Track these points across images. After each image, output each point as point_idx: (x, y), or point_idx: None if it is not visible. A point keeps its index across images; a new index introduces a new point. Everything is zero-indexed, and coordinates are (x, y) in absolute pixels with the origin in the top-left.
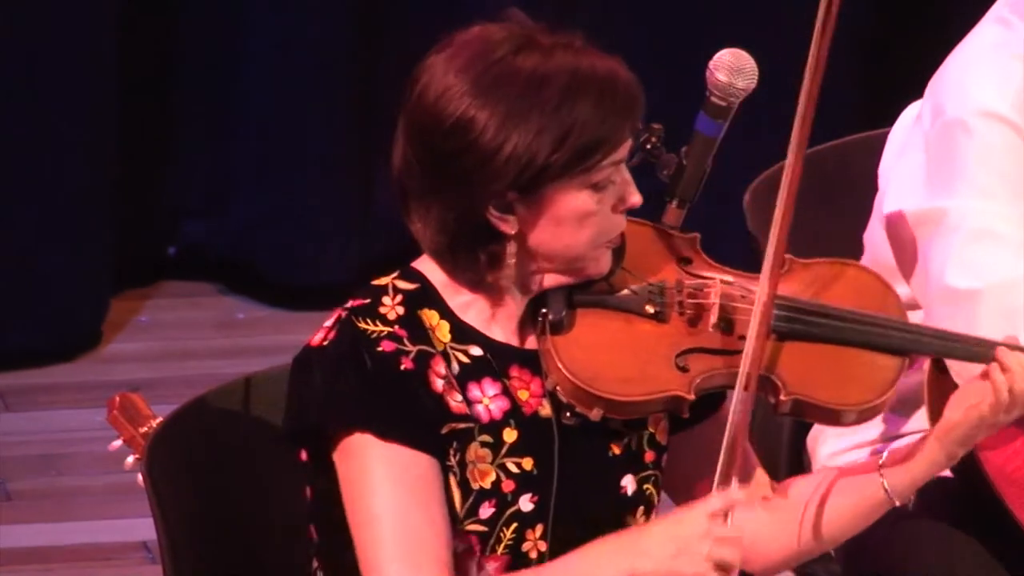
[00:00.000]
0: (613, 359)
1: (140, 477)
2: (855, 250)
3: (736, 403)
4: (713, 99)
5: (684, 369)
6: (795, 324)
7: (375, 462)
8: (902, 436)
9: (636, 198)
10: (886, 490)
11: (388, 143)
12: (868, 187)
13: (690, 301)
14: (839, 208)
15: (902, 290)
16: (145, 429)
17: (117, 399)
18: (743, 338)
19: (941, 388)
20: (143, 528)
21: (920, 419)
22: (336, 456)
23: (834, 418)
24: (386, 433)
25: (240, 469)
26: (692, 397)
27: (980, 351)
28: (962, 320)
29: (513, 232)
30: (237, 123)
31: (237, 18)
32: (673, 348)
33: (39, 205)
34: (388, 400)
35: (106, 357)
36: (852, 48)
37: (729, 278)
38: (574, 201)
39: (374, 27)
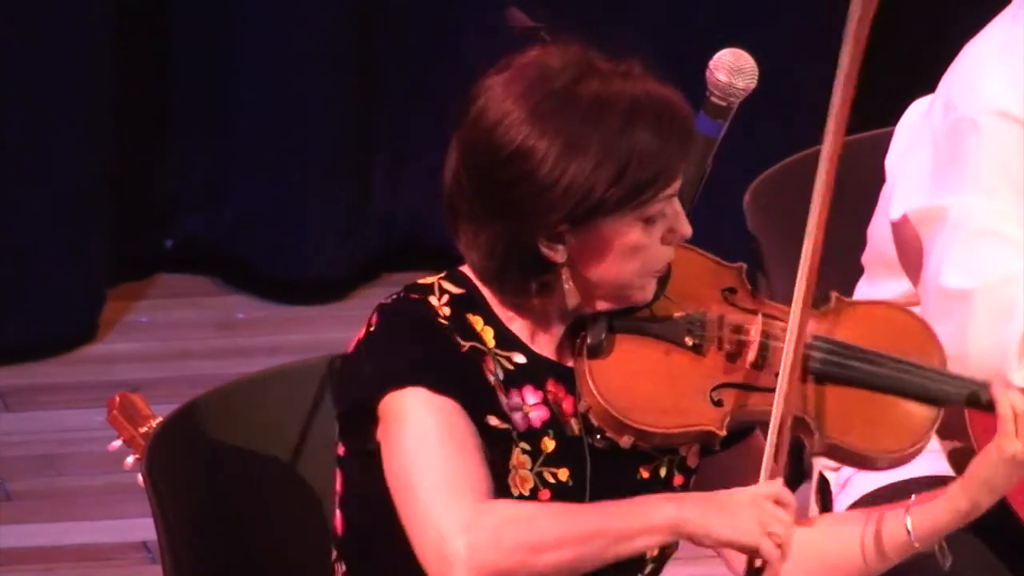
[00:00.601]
0: (648, 389)
1: (140, 477)
2: (858, 249)
3: (774, 426)
4: (713, 99)
5: (719, 404)
6: (833, 366)
7: (423, 410)
8: None
9: (687, 230)
10: (908, 532)
11: (384, 136)
12: (871, 186)
13: (730, 336)
14: (842, 207)
15: (903, 286)
16: (145, 429)
17: (117, 399)
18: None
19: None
20: (143, 528)
21: None
22: (384, 423)
23: (866, 463)
24: (440, 386)
25: (240, 469)
26: (724, 433)
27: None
28: (955, 320)
29: (562, 261)
30: (234, 117)
31: (234, 12)
32: (709, 382)
33: (34, 198)
34: (448, 360)
35: (106, 357)
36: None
37: (772, 313)
38: (626, 234)
39: (372, 21)
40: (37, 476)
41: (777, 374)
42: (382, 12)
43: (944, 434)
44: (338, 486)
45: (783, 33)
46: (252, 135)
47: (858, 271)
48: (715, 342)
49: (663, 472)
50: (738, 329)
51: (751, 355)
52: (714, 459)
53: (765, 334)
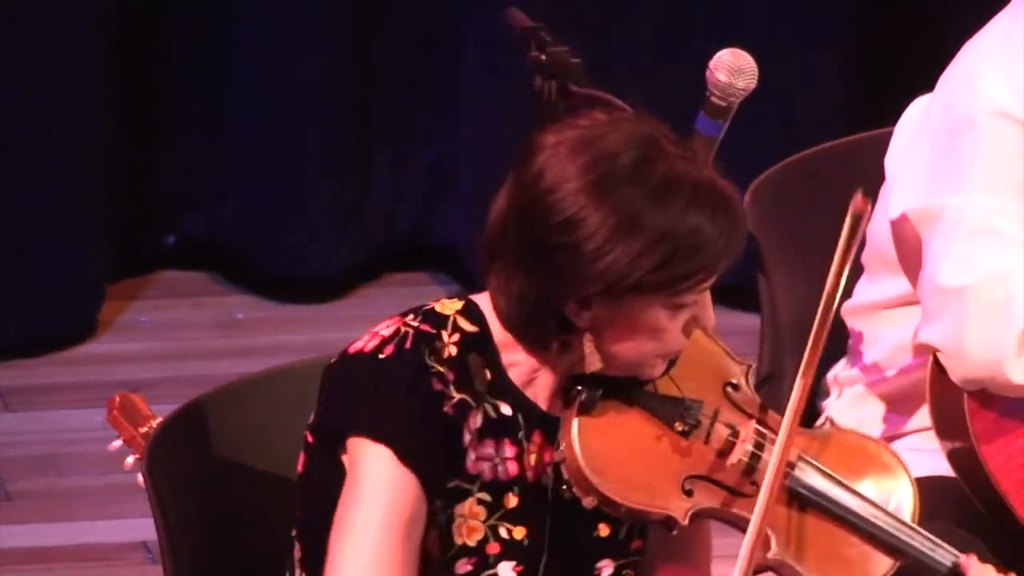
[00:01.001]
0: (625, 460)
1: (140, 477)
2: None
3: (750, 541)
4: (713, 99)
5: (689, 493)
6: (807, 489)
7: (380, 477)
8: (903, 435)
9: (711, 322)
10: None
11: (384, 134)
12: (868, 187)
13: (719, 433)
14: (839, 209)
15: (903, 285)
16: (145, 429)
17: (117, 399)
18: (756, 484)
19: (943, 386)
20: (143, 528)
21: (922, 417)
22: (347, 460)
23: None
24: (407, 457)
25: (240, 469)
26: (685, 523)
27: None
28: (951, 318)
29: (584, 327)
30: (234, 114)
31: (233, 11)
32: (686, 470)
33: (33, 197)
34: (424, 431)
35: (106, 357)
36: (852, 48)
37: (766, 421)
38: (652, 315)
39: (372, 20)
40: (37, 476)
41: (753, 482)
42: (382, 11)
43: (944, 434)
44: (300, 465)
45: (783, 33)
46: (252, 134)
47: (858, 270)
48: (704, 435)
49: (623, 533)
50: (730, 429)
51: (735, 457)
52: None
53: (755, 442)
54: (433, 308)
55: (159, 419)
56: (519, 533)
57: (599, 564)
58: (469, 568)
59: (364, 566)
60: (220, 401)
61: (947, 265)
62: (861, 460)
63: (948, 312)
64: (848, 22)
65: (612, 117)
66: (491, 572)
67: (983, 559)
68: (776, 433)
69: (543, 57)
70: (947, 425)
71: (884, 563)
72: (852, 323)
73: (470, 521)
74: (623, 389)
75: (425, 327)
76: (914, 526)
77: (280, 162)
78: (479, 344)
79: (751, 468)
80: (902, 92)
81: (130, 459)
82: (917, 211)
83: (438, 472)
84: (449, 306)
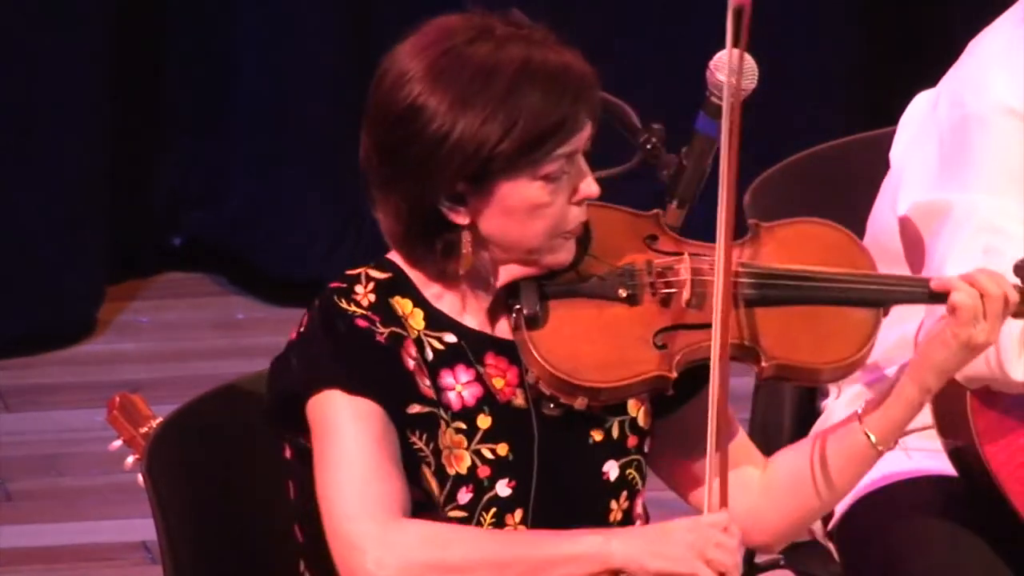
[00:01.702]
0: (591, 347)
1: (140, 477)
2: None
3: (713, 380)
4: (713, 99)
5: (663, 347)
6: (766, 290)
7: (341, 414)
8: (905, 434)
9: (592, 188)
10: (868, 437)
11: None
12: (869, 186)
13: (661, 280)
14: (839, 208)
15: None
16: (145, 429)
17: (117, 399)
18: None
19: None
20: (143, 528)
21: (923, 416)
22: (312, 429)
23: (816, 377)
24: (354, 387)
25: (240, 469)
26: (674, 375)
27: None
28: None
29: (465, 223)
30: (233, 116)
31: (234, 11)
32: (650, 329)
33: (34, 197)
34: (358, 360)
35: (106, 357)
36: (852, 47)
37: (697, 251)
38: (524, 192)
39: (372, 20)
40: (37, 476)
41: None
42: (383, 11)
43: (945, 432)
44: (291, 492)
45: (783, 33)
46: (252, 135)
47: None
48: (648, 289)
49: (616, 433)
50: (667, 271)
51: (685, 294)
52: (668, 421)
53: (695, 271)
54: (345, 273)
55: (159, 419)
56: (502, 450)
57: (604, 468)
58: (470, 496)
59: (355, 491)
60: (220, 401)
61: (953, 262)
62: (800, 242)
63: None
64: (848, 22)
65: (445, 16)
66: (491, 494)
67: (985, 558)
68: (709, 256)
69: None
70: (949, 423)
71: (869, 317)
72: None
73: (455, 451)
74: (557, 287)
75: (335, 284)
76: (873, 273)
77: (281, 164)
78: (396, 287)
79: (704, 297)
80: (903, 91)
81: (130, 459)
82: (923, 206)
83: (392, 393)
84: (360, 268)
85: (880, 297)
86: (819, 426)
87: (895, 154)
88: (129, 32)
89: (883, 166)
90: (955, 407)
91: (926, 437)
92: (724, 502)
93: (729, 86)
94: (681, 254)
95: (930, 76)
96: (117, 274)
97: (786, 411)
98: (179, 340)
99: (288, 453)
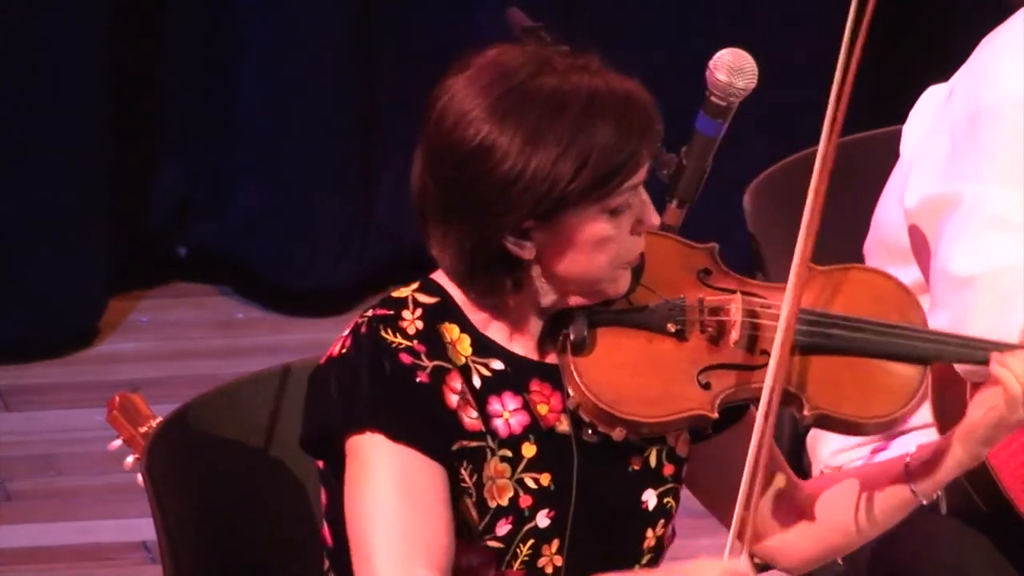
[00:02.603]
0: (635, 379)
1: (140, 477)
2: (859, 248)
3: (759, 427)
4: (713, 99)
5: (707, 386)
6: (817, 337)
7: (382, 462)
8: (906, 432)
9: (654, 219)
10: (913, 491)
11: (389, 147)
12: (871, 185)
13: (711, 318)
14: (841, 207)
15: (906, 274)
16: (145, 429)
17: (117, 399)
18: (765, 352)
19: (946, 382)
20: (143, 528)
21: (923, 414)
22: (349, 459)
23: (858, 430)
24: (398, 435)
25: (240, 469)
26: (715, 415)
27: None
28: (957, 306)
29: (530, 258)
30: (238, 127)
31: (239, 21)
32: (695, 366)
33: (36, 201)
34: (403, 405)
35: (106, 356)
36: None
37: (750, 290)
38: (592, 227)
39: (377, 32)
40: (37, 476)
41: (762, 351)
42: (387, 23)
43: (946, 431)
44: (323, 498)
45: (783, 33)
46: (256, 146)
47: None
48: (697, 325)
49: (654, 462)
50: (718, 310)
51: (734, 334)
52: (705, 445)
53: (746, 312)
54: (390, 295)
55: (159, 419)
56: (545, 479)
57: (643, 497)
58: (509, 527)
59: (395, 553)
60: (220, 401)
61: (958, 253)
62: (852, 289)
63: (954, 300)
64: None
65: (500, 47)
66: (531, 525)
67: (990, 557)
68: (762, 297)
69: None
70: (950, 422)
71: (915, 375)
72: None
73: (498, 481)
74: (605, 315)
75: (381, 311)
76: (925, 329)
77: (284, 175)
78: (443, 312)
79: (753, 338)
80: (908, 91)
81: (130, 459)
82: (933, 197)
83: (435, 438)
84: (405, 289)
85: (933, 354)
86: (815, 431)
87: (905, 147)
88: (132, 40)
89: (887, 164)
90: (956, 405)
91: (926, 435)
92: (748, 546)
93: (824, 138)
94: (734, 292)
95: (934, 74)
96: (121, 284)
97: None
98: (179, 340)
99: (321, 464)
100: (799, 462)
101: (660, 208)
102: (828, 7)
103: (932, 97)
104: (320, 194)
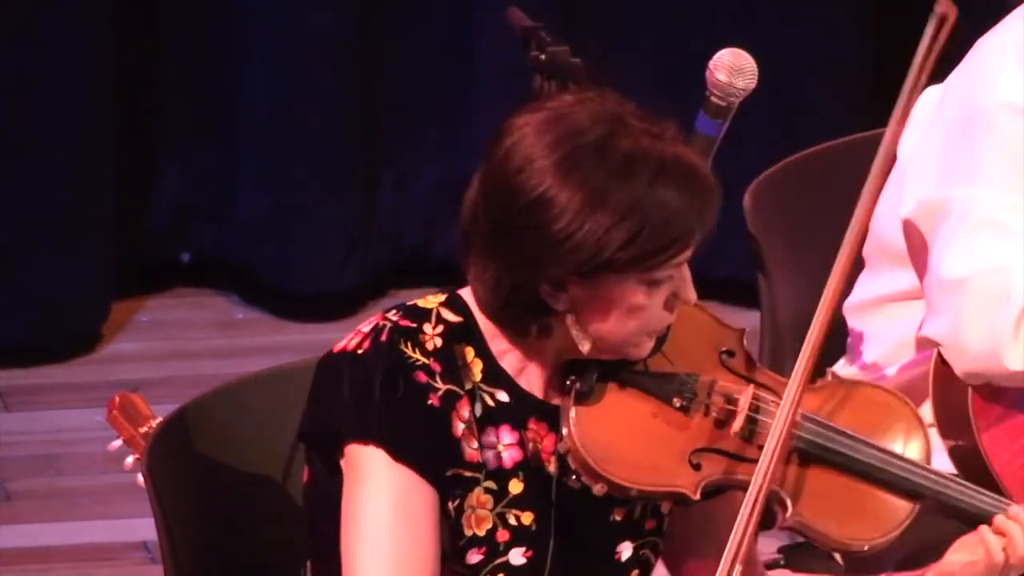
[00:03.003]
0: (629, 443)
1: (140, 477)
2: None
3: (741, 522)
4: (713, 99)
5: (697, 468)
6: (817, 447)
7: (380, 480)
8: None
9: (692, 296)
10: None
11: (391, 149)
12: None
13: (719, 403)
14: (839, 208)
15: (905, 277)
16: (145, 429)
17: (117, 399)
18: (762, 448)
19: (946, 383)
20: (143, 528)
21: (923, 414)
22: (344, 464)
23: (829, 546)
24: (399, 454)
25: (240, 469)
26: (697, 497)
27: (991, 511)
28: (951, 310)
29: (562, 309)
30: (240, 132)
31: (241, 26)
32: (691, 444)
33: (38, 205)
34: (410, 425)
35: (106, 357)
36: (857, 46)
37: (765, 383)
38: (629, 293)
39: (379, 36)
40: (37, 476)
41: (759, 446)
42: (389, 27)
43: (947, 432)
44: (305, 476)
45: (784, 33)
46: (258, 150)
47: (859, 265)
48: (703, 407)
49: (636, 515)
50: (728, 398)
51: (737, 425)
52: (684, 510)
53: (754, 407)
54: (416, 303)
55: (159, 419)
56: (527, 519)
57: (619, 547)
58: (480, 558)
59: (379, 565)
60: (220, 401)
61: (950, 257)
62: (864, 408)
63: (948, 304)
64: (851, 21)
65: (578, 97)
66: (502, 559)
67: None
68: (775, 394)
69: (543, 57)
70: (950, 423)
71: (904, 508)
72: (852, 321)
73: (479, 511)
74: (617, 372)
75: (405, 322)
76: (928, 468)
77: (286, 179)
78: (465, 334)
79: (754, 433)
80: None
81: (130, 459)
82: (927, 203)
83: (435, 463)
84: (432, 300)
85: (929, 494)
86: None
87: (902, 151)
88: (133, 43)
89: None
90: (956, 406)
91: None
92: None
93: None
94: (749, 382)
95: (932, 75)
96: (124, 288)
97: None
98: (179, 340)
99: (306, 477)
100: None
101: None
102: (828, 7)
103: (928, 101)
104: (322, 198)
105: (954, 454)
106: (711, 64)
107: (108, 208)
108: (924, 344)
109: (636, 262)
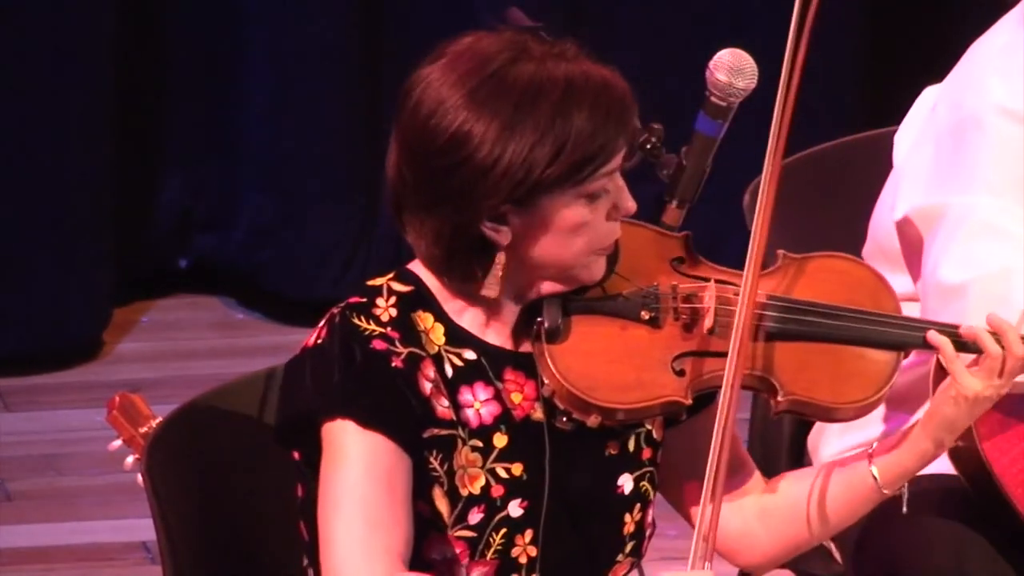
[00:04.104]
0: (610, 366)
1: (140, 477)
2: (857, 250)
3: (722, 408)
4: (713, 99)
5: (680, 373)
6: (789, 324)
7: (352, 449)
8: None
9: (631, 205)
10: (875, 479)
11: None
12: (869, 186)
13: (685, 306)
14: (840, 208)
15: (905, 280)
16: (145, 429)
17: (117, 399)
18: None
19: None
20: (143, 528)
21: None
22: (324, 446)
23: (831, 416)
24: (367, 421)
25: (240, 469)
26: (689, 402)
27: (967, 342)
28: (951, 315)
29: (507, 243)
30: (242, 138)
31: (242, 32)
32: (669, 353)
33: (41, 213)
34: (373, 391)
35: (107, 357)
36: (855, 46)
37: (723, 278)
38: (568, 212)
39: (381, 41)
40: (37, 476)
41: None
42: (392, 33)
43: None
44: (299, 491)
45: (783, 33)
46: (260, 156)
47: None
48: (671, 313)
49: (631, 446)
50: (692, 298)
51: (708, 321)
52: (677, 432)
53: (720, 299)
54: (365, 283)
55: (159, 419)
56: (517, 469)
57: (619, 481)
58: (481, 515)
59: (356, 537)
60: (220, 401)
61: (948, 262)
62: (827, 277)
63: (948, 310)
64: (849, 22)
65: (476, 35)
66: (503, 514)
67: (988, 557)
68: (735, 285)
69: None
70: None
71: (889, 361)
72: None
73: (469, 470)
74: (579, 303)
75: (354, 299)
76: (899, 316)
77: (288, 184)
78: (419, 301)
79: (726, 325)
80: (906, 91)
81: (130, 459)
82: (921, 209)
83: (406, 423)
84: (381, 279)
85: (905, 340)
86: (816, 431)
87: (897, 155)
88: (135, 50)
89: (885, 166)
90: None
91: None
92: (710, 556)
93: (775, 124)
94: (707, 280)
95: (931, 75)
96: (126, 295)
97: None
98: (179, 340)
99: (297, 455)
100: (799, 464)
101: (660, 208)
102: (828, 8)
103: (923, 103)
104: (323, 204)
105: (953, 455)
106: (711, 64)
107: (110, 215)
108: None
109: (567, 176)
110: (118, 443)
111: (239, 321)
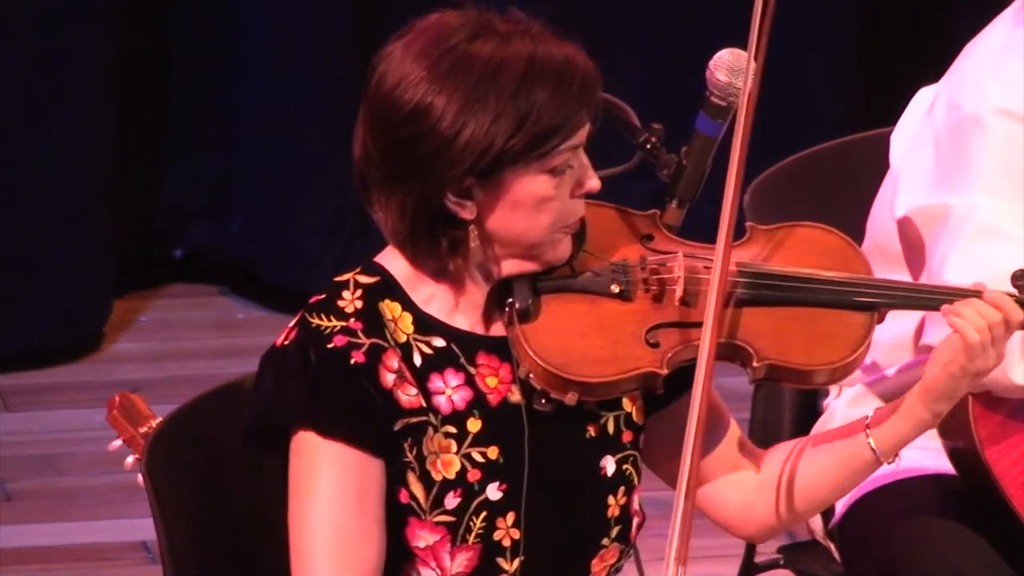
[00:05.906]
0: (583, 341)
1: (140, 477)
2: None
3: (699, 374)
4: (713, 99)
5: (655, 345)
6: (760, 290)
7: (317, 460)
8: None
9: (594, 182)
10: (873, 450)
11: None
12: (869, 186)
13: (654, 277)
14: (839, 208)
15: (906, 280)
16: (145, 429)
17: (117, 399)
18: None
19: None
20: (143, 528)
21: None
22: (291, 456)
23: (808, 379)
24: (329, 431)
25: (240, 469)
26: (665, 372)
27: (945, 302)
28: None
29: (471, 217)
30: (238, 127)
31: (238, 23)
32: (642, 325)
33: (40, 207)
34: (332, 398)
35: (107, 357)
36: (854, 46)
37: (692, 252)
38: (531, 186)
39: (377, 32)
40: (37, 476)
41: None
42: (388, 25)
43: (947, 434)
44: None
45: (783, 33)
46: (258, 148)
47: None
48: (641, 285)
49: (611, 429)
50: (661, 270)
51: (679, 291)
52: (660, 416)
53: (689, 268)
54: (333, 280)
55: (159, 419)
56: (492, 453)
57: (601, 463)
58: (459, 500)
59: (326, 553)
60: (220, 401)
61: (952, 265)
62: (798, 245)
63: None
64: (849, 21)
65: (440, 13)
66: (481, 498)
67: (986, 557)
68: (704, 257)
69: None
70: (950, 425)
71: (862, 322)
72: None
73: (443, 456)
74: (549, 283)
75: (316, 298)
76: (870, 279)
77: (284, 175)
78: (384, 291)
79: (697, 295)
80: (904, 91)
81: (130, 459)
82: (922, 210)
83: (368, 425)
84: (347, 274)
85: (874, 302)
86: (819, 426)
87: (894, 157)
88: (134, 45)
89: (883, 166)
90: (957, 412)
91: (926, 436)
92: (682, 559)
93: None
94: (675, 252)
95: (930, 75)
96: (125, 287)
97: (786, 411)
98: (179, 340)
99: (276, 457)
100: None
101: (660, 207)
102: (828, 8)
103: (921, 99)
104: (321, 193)
105: (953, 455)
106: (711, 64)
107: (109, 209)
108: (925, 348)
109: (530, 149)
110: (118, 443)
111: (239, 320)
